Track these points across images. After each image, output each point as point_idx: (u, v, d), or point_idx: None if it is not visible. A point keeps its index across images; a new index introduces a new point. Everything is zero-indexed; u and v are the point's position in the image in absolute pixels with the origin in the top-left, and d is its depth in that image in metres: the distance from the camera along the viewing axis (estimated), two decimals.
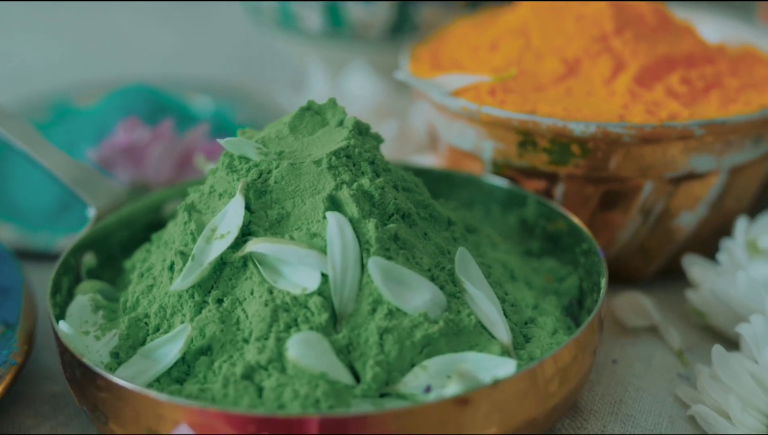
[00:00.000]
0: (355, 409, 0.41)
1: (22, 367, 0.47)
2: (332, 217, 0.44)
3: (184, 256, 0.46)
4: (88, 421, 0.48)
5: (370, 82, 0.71)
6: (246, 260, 0.45)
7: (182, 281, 0.45)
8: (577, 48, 0.56)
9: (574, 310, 0.50)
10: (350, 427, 0.39)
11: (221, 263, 0.45)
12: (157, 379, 0.44)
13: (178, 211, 0.48)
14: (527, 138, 0.53)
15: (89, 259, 0.52)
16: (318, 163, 0.46)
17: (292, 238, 0.45)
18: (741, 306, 0.50)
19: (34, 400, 0.50)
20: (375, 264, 0.43)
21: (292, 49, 0.79)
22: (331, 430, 0.39)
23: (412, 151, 0.65)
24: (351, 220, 0.44)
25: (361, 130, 0.49)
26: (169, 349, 0.44)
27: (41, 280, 0.55)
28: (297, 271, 0.44)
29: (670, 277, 0.57)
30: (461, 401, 0.40)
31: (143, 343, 0.45)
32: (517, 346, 0.44)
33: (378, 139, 0.49)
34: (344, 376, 0.42)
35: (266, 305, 0.43)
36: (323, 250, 0.44)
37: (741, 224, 0.53)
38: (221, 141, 0.47)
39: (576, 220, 0.52)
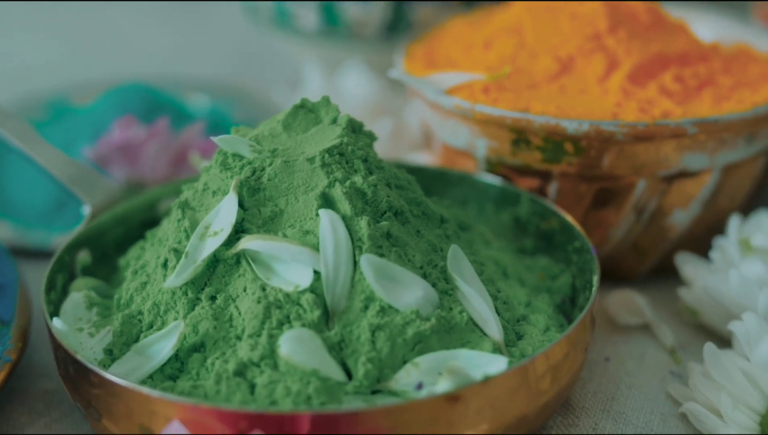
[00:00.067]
0: (347, 406, 0.41)
1: (16, 364, 0.47)
2: (325, 214, 0.44)
3: (177, 253, 0.46)
4: (81, 417, 0.48)
5: (366, 80, 0.71)
6: (239, 257, 0.45)
7: (176, 278, 0.45)
8: (570, 46, 0.56)
9: (567, 308, 0.50)
10: (342, 423, 0.39)
11: (214, 260, 0.45)
12: (151, 376, 0.44)
13: (171, 208, 0.49)
14: (520, 136, 0.53)
15: (84, 256, 0.52)
16: (311, 160, 0.46)
17: (285, 235, 0.45)
18: (733, 304, 0.50)
19: (29, 397, 0.50)
20: (367, 261, 0.43)
21: (289, 48, 0.79)
22: (322, 426, 0.39)
23: (406, 149, 0.66)
24: (344, 218, 0.45)
25: (354, 127, 0.49)
26: (162, 345, 0.44)
27: (36, 277, 0.55)
28: (290, 268, 0.44)
29: (663, 275, 0.57)
30: (452, 398, 0.40)
31: (137, 339, 0.45)
32: (509, 344, 0.44)
33: (371, 137, 0.49)
34: (336, 373, 0.42)
35: (259, 302, 0.43)
36: (316, 248, 0.44)
37: (734, 222, 0.53)
38: (215, 138, 0.47)
39: (569, 218, 0.52)
